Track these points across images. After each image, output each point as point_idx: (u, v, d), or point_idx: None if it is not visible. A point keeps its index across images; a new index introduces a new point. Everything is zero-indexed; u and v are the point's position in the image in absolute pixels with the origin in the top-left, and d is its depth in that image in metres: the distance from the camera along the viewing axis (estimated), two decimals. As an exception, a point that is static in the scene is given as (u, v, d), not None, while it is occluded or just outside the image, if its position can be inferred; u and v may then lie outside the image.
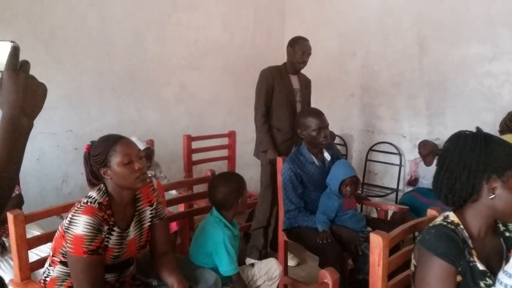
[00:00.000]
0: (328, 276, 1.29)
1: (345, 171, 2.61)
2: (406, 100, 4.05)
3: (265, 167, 3.32)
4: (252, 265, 2.15)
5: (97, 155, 1.63)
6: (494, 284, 1.37)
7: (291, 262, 3.37)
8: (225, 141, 4.00)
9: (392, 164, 4.16)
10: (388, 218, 2.97)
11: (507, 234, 1.53)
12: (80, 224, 1.53)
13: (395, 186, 4.09)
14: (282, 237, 2.86)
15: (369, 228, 2.67)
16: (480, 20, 3.49)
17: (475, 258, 1.39)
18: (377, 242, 1.53)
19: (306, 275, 3.26)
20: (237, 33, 4.51)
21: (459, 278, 1.37)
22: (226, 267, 1.96)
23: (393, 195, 4.05)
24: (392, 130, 4.18)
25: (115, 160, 1.61)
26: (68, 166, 3.46)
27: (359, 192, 3.45)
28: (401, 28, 4.01)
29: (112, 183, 1.65)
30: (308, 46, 3.29)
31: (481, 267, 1.38)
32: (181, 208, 2.69)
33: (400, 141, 4.13)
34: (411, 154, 4.02)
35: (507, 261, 1.44)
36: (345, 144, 4.54)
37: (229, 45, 4.46)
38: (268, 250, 3.44)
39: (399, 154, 4.11)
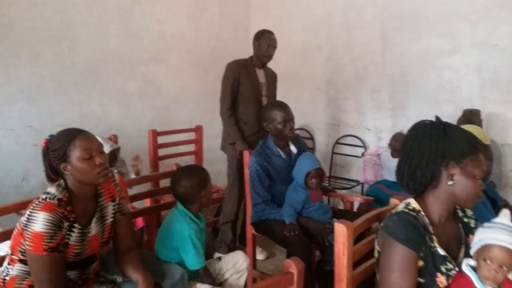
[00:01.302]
0: (293, 266, 1.29)
1: (310, 164, 2.63)
2: (370, 94, 4.12)
3: (231, 161, 3.31)
4: (219, 258, 2.14)
5: (56, 150, 1.58)
6: (454, 268, 1.42)
7: (259, 256, 3.38)
8: (192, 135, 3.97)
9: (358, 156, 4.22)
10: (355, 210, 3.02)
11: (465, 220, 1.59)
12: (39, 221, 1.48)
13: (360, 178, 4.15)
14: (250, 230, 2.86)
15: (336, 220, 2.70)
16: (440, 14, 3.58)
17: (436, 244, 1.43)
18: (341, 232, 1.54)
19: (275, 268, 3.28)
20: (203, 26, 4.47)
21: (421, 263, 1.41)
22: (193, 261, 1.94)
23: (359, 187, 4.12)
24: (357, 123, 4.25)
25: (75, 155, 1.56)
26: (28, 163, 3.34)
27: (326, 184, 3.49)
28: (365, 22, 4.08)
29: (72, 178, 1.60)
30: (273, 40, 3.29)
31: (441, 252, 1.42)
32: (147, 203, 2.65)
33: (365, 134, 4.20)
34: (376, 146, 4.09)
35: (466, 246, 1.49)
36: (311, 138, 4.58)
37: (195, 38, 4.41)
38: (236, 244, 3.44)
39: (364, 146, 4.18)
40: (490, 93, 3.41)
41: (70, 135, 1.58)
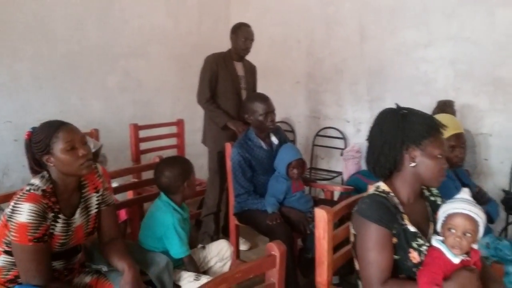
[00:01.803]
0: (275, 249, 1.34)
1: (292, 154, 2.68)
2: (349, 86, 4.20)
3: (212, 154, 3.34)
4: (203, 247, 2.17)
5: (39, 142, 1.59)
6: (425, 243, 1.50)
7: (243, 247, 3.43)
8: (173, 129, 3.97)
9: (337, 148, 4.30)
10: (335, 199, 3.08)
11: (432, 198, 1.69)
12: (24, 212, 1.49)
13: (341, 170, 4.24)
14: (233, 221, 2.90)
15: (316, 209, 2.77)
16: (416, 8, 3.66)
17: (407, 222, 1.52)
18: (321, 216, 1.60)
19: (258, 258, 3.33)
20: (182, 20, 4.47)
21: (394, 240, 1.50)
22: (177, 249, 1.97)
23: (339, 178, 4.20)
24: (337, 115, 4.32)
25: (58, 147, 1.57)
26: (8, 158, 3.31)
27: (307, 175, 3.55)
28: (343, 16, 4.14)
29: (56, 170, 1.61)
30: (250, 32, 3.30)
31: (412, 229, 1.51)
32: (129, 196, 2.66)
33: (345, 126, 4.28)
34: (355, 138, 4.18)
35: (434, 223, 1.57)
36: (292, 131, 4.64)
37: (175, 32, 4.41)
38: (220, 236, 3.48)
39: (344, 138, 4.26)
40: (464, 84, 3.52)
41: (53, 127, 1.59)
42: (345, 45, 4.16)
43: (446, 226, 1.46)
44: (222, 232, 3.53)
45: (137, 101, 4.14)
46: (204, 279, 1.85)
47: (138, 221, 2.50)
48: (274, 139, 2.83)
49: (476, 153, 3.44)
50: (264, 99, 2.72)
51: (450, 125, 2.10)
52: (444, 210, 1.49)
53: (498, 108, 3.39)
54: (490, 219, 2.25)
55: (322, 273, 1.63)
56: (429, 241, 1.52)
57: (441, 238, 1.47)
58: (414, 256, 1.48)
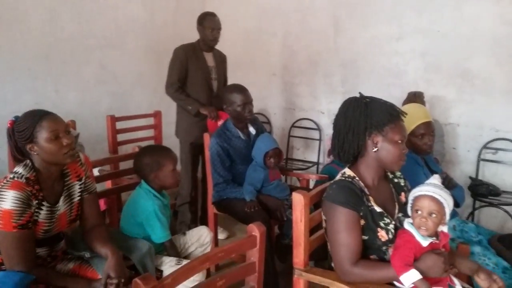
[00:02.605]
0: (255, 229, 1.41)
1: (269, 144, 2.75)
2: (324, 78, 4.29)
3: (184, 145, 3.38)
4: (184, 233, 2.23)
5: (23, 131, 1.61)
6: (391, 222, 1.61)
7: (221, 235, 3.49)
8: (150, 121, 3.99)
9: (313, 139, 4.40)
10: (311, 187, 3.18)
11: (396, 180, 1.81)
12: (8, 199, 1.52)
13: (315, 160, 4.35)
14: (211, 210, 2.96)
15: (293, 196, 2.86)
16: (388, 2, 3.78)
17: (373, 203, 1.62)
18: (298, 201, 1.68)
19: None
20: (158, 12, 4.46)
21: (362, 221, 1.60)
22: (159, 234, 2.02)
23: (314, 168, 4.30)
24: (312, 107, 4.42)
25: (42, 136, 1.60)
26: (-18, 150, 3.27)
27: (283, 165, 3.63)
28: (317, 9, 4.22)
29: (39, 158, 1.64)
30: (216, 22, 3.28)
31: (378, 209, 1.62)
32: (108, 186, 2.68)
33: (319, 117, 4.38)
34: (330, 128, 4.24)
35: (399, 203, 1.68)
36: (268, 122, 4.71)
37: (150, 24, 4.40)
38: (197, 225, 3.53)
39: (319, 129, 4.36)
40: (433, 76, 3.66)
41: (37, 117, 1.61)
42: (319, 38, 4.24)
43: (414, 208, 1.56)
44: (199, 222, 3.59)
45: (114, 92, 4.13)
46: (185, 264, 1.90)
47: (116, 211, 2.53)
48: (252, 129, 2.89)
49: (444, 142, 3.59)
50: (242, 90, 2.77)
51: (419, 114, 2.23)
52: (412, 193, 1.60)
53: (465, 99, 3.55)
54: (456, 204, 2.37)
55: (299, 255, 1.71)
56: (395, 221, 1.62)
57: (412, 221, 1.57)
58: (382, 235, 1.58)
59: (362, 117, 1.63)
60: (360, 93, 1.72)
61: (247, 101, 2.75)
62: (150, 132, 3.99)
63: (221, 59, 3.51)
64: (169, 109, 4.15)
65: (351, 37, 4.04)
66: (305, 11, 4.29)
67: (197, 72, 3.30)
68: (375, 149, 1.63)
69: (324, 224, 1.74)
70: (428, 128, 2.23)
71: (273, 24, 4.54)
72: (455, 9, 3.45)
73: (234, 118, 2.81)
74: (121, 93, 4.19)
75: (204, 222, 3.40)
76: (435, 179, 1.62)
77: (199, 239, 2.19)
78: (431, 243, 1.51)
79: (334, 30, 4.14)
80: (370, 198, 1.64)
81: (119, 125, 3.70)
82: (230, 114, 2.80)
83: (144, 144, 3.79)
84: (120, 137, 3.71)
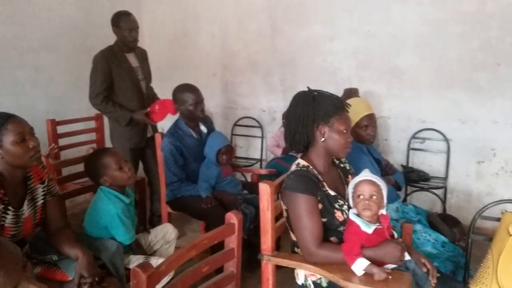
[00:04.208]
0: (233, 217, 1.50)
1: (221, 141, 2.85)
2: (263, 78, 4.44)
3: (121, 151, 3.28)
4: (148, 232, 2.25)
5: None
6: (345, 203, 1.79)
7: (172, 235, 3.50)
8: (92, 124, 3.90)
9: (255, 136, 4.54)
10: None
11: (342, 165, 2.00)
12: None
13: (259, 157, 4.49)
14: (165, 209, 2.98)
15: (246, 191, 2.97)
16: (322, 4, 4.00)
17: (327, 188, 1.79)
18: (265, 190, 1.79)
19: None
20: (93, 13, 4.35)
21: (320, 206, 1.75)
22: (123, 237, 2.03)
23: (258, 165, 4.44)
24: (253, 105, 4.54)
25: (8, 139, 1.57)
26: None
27: (234, 161, 3.72)
28: (254, 11, 4.34)
29: (3, 162, 1.60)
30: (133, 21, 3.15)
31: (332, 193, 1.79)
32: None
33: (261, 115, 4.52)
34: (271, 126, 4.44)
35: (347, 185, 1.86)
36: (211, 122, 4.76)
37: (86, 25, 4.28)
38: (147, 226, 3.51)
39: (261, 127, 4.50)
40: (365, 73, 3.94)
41: (2, 119, 1.58)
42: (258, 39, 4.38)
43: (355, 194, 1.72)
44: (148, 223, 3.58)
45: (50, 96, 3.97)
46: (154, 260, 1.94)
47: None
48: (203, 128, 2.96)
49: (378, 134, 3.87)
50: (194, 89, 2.83)
51: (363, 107, 2.44)
52: (351, 183, 1.77)
53: (394, 94, 3.86)
54: (398, 187, 2.62)
55: (267, 241, 1.82)
56: (347, 201, 1.79)
57: (356, 211, 1.73)
58: (339, 215, 1.75)
59: (310, 110, 1.77)
60: (308, 87, 1.86)
61: (199, 100, 2.82)
62: (92, 136, 3.90)
63: (143, 57, 3.41)
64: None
65: (288, 37, 4.22)
66: (243, 12, 4.41)
67: (123, 77, 3.17)
68: (323, 139, 1.79)
69: (285, 214, 1.86)
70: (371, 120, 2.46)
71: (211, 25, 4.60)
72: (383, 10, 3.75)
73: (186, 117, 2.85)
74: (58, 96, 4.04)
75: (153, 223, 3.40)
76: (366, 171, 1.81)
77: (164, 236, 2.22)
78: (375, 229, 1.67)
79: (271, 31, 4.29)
80: (324, 183, 1.79)
81: (60, 129, 3.58)
82: (182, 113, 2.85)
83: (85, 148, 3.75)
84: (61, 142, 3.60)
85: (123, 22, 3.12)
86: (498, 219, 1.99)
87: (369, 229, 1.66)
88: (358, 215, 1.70)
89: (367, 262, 1.58)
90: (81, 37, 4.23)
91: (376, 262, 1.62)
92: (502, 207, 2.07)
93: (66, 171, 3.09)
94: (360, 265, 1.58)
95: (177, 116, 2.97)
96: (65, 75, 4.10)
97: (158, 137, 2.91)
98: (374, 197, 1.69)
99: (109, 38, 3.37)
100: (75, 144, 3.68)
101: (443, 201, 3.66)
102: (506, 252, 1.83)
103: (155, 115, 3.16)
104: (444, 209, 3.60)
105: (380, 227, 1.69)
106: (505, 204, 2.13)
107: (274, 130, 4.23)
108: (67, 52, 4.10)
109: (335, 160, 1.97)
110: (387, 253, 1.63)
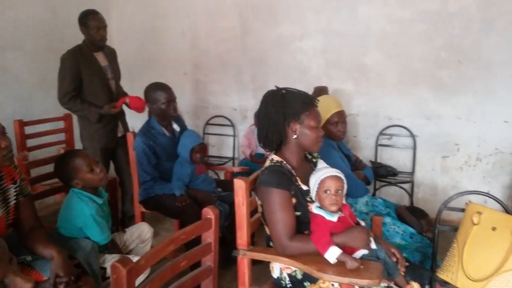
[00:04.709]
0: (210, 213, 1.53)
1: (194, 139, 2.86)
2: (234, 76, 4.47)
3: (92, 152, 3.25)
4: (124, 231, 2.24)
5: None
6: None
7: (145, 235, 3.49)
8: (60, 124, 3.83)
9: (227, 135, 4.56)
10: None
11: (314, 160, 2.04)
12: None
13: (231, 155, 4.51)
14: (138, 209, 2.97)
15: (220, 189, 2.99)
16: (291, 4, 4.05)
17: (300, 182, 1.84)
18: (240, 186, 1.82)
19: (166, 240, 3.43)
20: (60, 11, 4.27)
21: (294, 200, 1.79)
22: (99, 237, 2.03)
23: (230, 163, 4.46)
24: (225, 104, 4.56)
25: None
26: None
27: (208, 159, 3.73)
28: (224, 9, 4.36)
29: (-26, 162, 1.57)
30: (100, 20, 3.14)
31: (305, 187, 1.84)
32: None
33: (232, 113, 4.54)
34: (243, 124, 4.47)
35: None
36: (183, 120, 4.75)
37: (53, 24, 4.20)
38: (119, 228, 3.49)
39: (232, 125, 4.52)
40: (334, 71, 4.03)
41: None
42: (228, 38, 4.40)
43: (322, 189, 1.77)
44: (120, 225, 3.54)
45: (17, 97, 3.88)
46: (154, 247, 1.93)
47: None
48: (176, 127, 2.96)
49: (347, 131, 3.96)
50: (166, 88, 2.82)
51: (333, 104, 2.51)
52: (316, 179, 1.80)
53: (362, 92, 3.96)
54: (367, 181, 2.70)
55: (243, 236, 1.85)
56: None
57: (318, 204, 1.79)
58: (312, 208, 1.79)
59: (280, 109, 1.81)
60: (276, 86, 1.91)
61: (171, 98, 2.82)
62: (61, 136, 3.83)
63: (112, 56, 3.40)
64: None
65: (258, 36, 4.26)
66: (212, 11, 4.42)
67: (92, 76, 3.16)
68: (295, 136, 1.84)
69: (260, 209, 1.90)
70: (341, 117, 2.53)
71: (181, 24, 4.59)
72: (350, 10, 3.84)
73: (159, 116, 2.85)
74: (25, 96, 3.95)
75: (124, 225, 3.38)
76: (322, 163, 1.88)
77: (140, 235, 2.23)
78: (339, 217, 1.75)
79: (241, 30, 4.32)
80: (298, 178, 1.84)
81: (27, 130, 3.51)
82: (154, 112, 2.84)
83: (55, 149, 3.69)
84: (29, 143, 3.53)
85: (90, 20, 3.10)
86: (463, 210, 2.09)
87: (333, 218, 1.73)
88: (320, 207, 1.76)
89: (340, 251, 1.64)
90: (47, 37, 4.15)
91: (346, 250, 1.68)
92: (466, 198, 2.17)
93: (34, 172, 3.05)
94: (333, 254, 1.63)
95: (145, 114, 2.97)
96: (31, 75, 4.02)
97: (130, 136, 2.90)
98: (340, 191, 1.76)
99: (77, 37, 3.32)
100: (44, 145, 3.62)
101: (411, 195, 3.79)
102: (471, 241, 1.93)
103: (131, 99, 3.14)
104: (412, 203, 3.73)
105: (343, 215, 1.77)
106: (469, 196, 2.24)
107: (246, 128, 4.26)
108: (33, 51, 4.02)
109: (307, 155, 2.02)
110: (354, 237, 1.69)
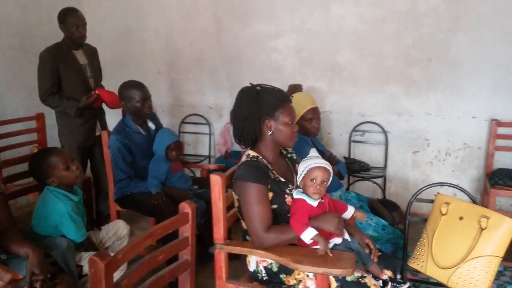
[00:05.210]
0: (187, 207, 1.54)
1: (170, 137, 2.86)
2: (210, 75, 4.48)
3: (69, 149, 3.27)
4: (100, 229, 2.24)
5: None
6: (293, 189, 1.88)
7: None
8: (32, 124, 3.77)
9: (203, 133, 4.57)
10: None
11: (289, 155, 2.11)
12: None
13: (207, 153, 4.52)
14: (114, 207, 2.95)
15: (196, 186, 3.01)
16: (265, 3, 4.09)
17: (277, 175, 1.88)
18: (216, 181, 1.85)
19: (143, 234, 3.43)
20: (31, 9, 4.19)
21: (271, 194, 1.83)
22: (75, 235, 2.02)
23: (206, 161, 4.47)
24: (200, 102, 4.57)
25: None
26: None
27: (184, 157, 3.73)
28: (199, 9, 4.37)
29: None
30: (80, 17, 3.14)
31: (282, 179, 1.88)
32: None
33: (208, 112, 4.55)
34: (218, 123, 4.49)
35: (295, 172, 1.97)
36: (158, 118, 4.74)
37: (23, 22, 4.12)
38: (94, 228, 3.46)
39: (208, 124, 4.53)
40: (308, 70, 4.09)
41: None
42: (203, 36, 4.40)
43: (308, 178, 1.82)
44: (95, 224, 3.51)
45: (-14, 97, 3.81)
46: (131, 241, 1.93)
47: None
48: (151, 125, 2.95)
49: (321, 128, 4.03)
50: (141, 86, 2.81)
51: (307, 101, 2.56)
52: (305, 166, 1.85)
53: (335, 90, 4.03)
54: (341, 176, 2.77)
55: (219, 230, 1.88)
56: (295, 188, 1.89)
57: (301, 190, 1.85)
58: (289, 200, 1.85)
59: (255, 106, 1.85)
60: (250, 83, 1.94)
61: (146, 96, 2.81)
62: (33, 136, 3.76)
63: (92, 54, 3.39)
64: (51, 110, 3.96)
65: (233, 35, 4.29)
66: (187, 9, 4.41)
67: (71, 74, 3.15)
68: (270, 132, 1.88)
69: (236, 204, 1.93)
70: (315, 113, 2.58)
71: (155, 23, 4.57)
72: (323, 9, 3.90)
73: (133, 114, 2.84)
74: (-5, 96, 3.88)
75: (99, 224, 3.34)
76: (314, 152, 1.93)
77: (116, 232, 2.22)
78: (319, 203, 1.82)
79: (216, 28, 4.34)
80: (274, 171, 1.88)
81: (-1, 130, 3.45)
82: (129, 110, 2.82)
83: (26, 149, 3.63)
84: (0, 143, 3.46)
85: (70, 18, 3.10)
86: (432, 202, 2.17)
87: (314, 202, 1.79)
88: (303, 192, 1.82)
89: (316, 232, 1.70)
90: (18, 35, 4.08)
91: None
92: (436, 191, 2.25)
93: (6, 172, 3.00)
94: (309, 234, 1.69)
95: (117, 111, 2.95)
96: (2, 75, 3.94)
97: (104, 135, 2.88)
98: (325, 183, 1.82)
99: (49, 36, 3.29)
100: (16, 145, 3.55)
101: (383, 189, 3.88)
102: (440, 231, 2.01)
103: (102, 93, 3.13)
104: (384, 197, 3.83)
105: (323, 201, 1.83)
106: (438, 188, 2.32)
107: (222, 126, 4.28)
108: (3, 51, 3.94)
109: (283, 150, 2.06)
110: (327, 220, 1.75)
